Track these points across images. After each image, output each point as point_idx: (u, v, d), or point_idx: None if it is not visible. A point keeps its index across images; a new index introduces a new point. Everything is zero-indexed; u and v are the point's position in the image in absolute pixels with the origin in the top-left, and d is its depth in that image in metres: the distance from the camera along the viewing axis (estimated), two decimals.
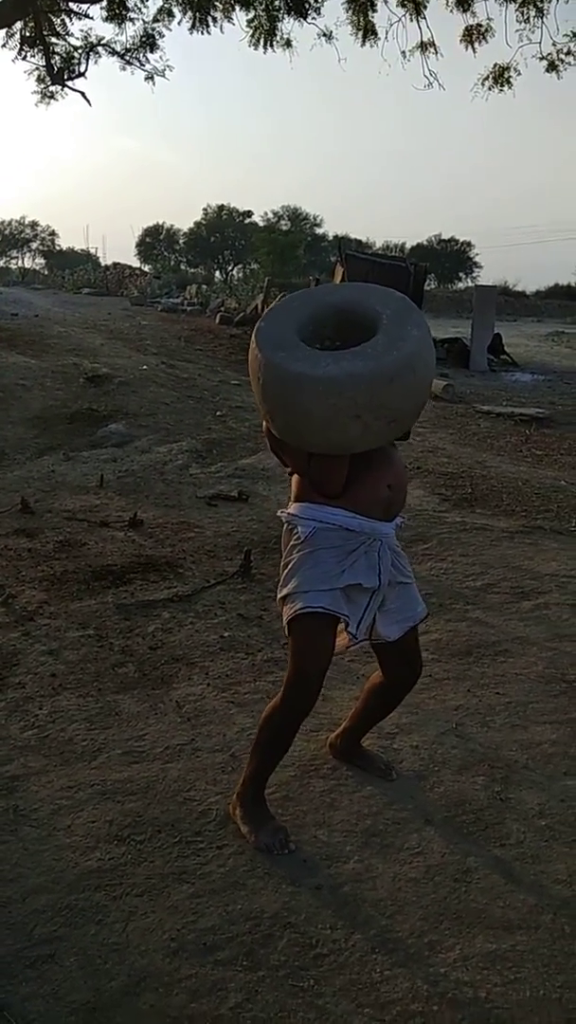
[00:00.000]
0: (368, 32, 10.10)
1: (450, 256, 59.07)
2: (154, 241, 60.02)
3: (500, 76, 9.27)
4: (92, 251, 51.99)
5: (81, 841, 2.27)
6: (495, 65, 9.30)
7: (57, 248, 60.09)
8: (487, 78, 9.36)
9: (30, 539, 4.81)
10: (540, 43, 9.51)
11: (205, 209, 59.43)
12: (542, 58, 8.92)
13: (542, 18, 8.92)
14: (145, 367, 10.12)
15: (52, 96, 11.03)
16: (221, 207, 59.06)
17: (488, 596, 4.25)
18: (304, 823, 2.38)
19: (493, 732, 2.93)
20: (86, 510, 5.48)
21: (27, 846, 2.24)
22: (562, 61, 8.78)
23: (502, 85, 9.30)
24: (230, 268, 54.33)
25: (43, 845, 2.25)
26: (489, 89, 9.38)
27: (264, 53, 10.43)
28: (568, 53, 8.74)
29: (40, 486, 6.05)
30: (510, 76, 9.21)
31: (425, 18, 9.64)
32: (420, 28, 9.86)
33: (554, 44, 9.04)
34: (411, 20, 9.98)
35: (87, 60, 10.73)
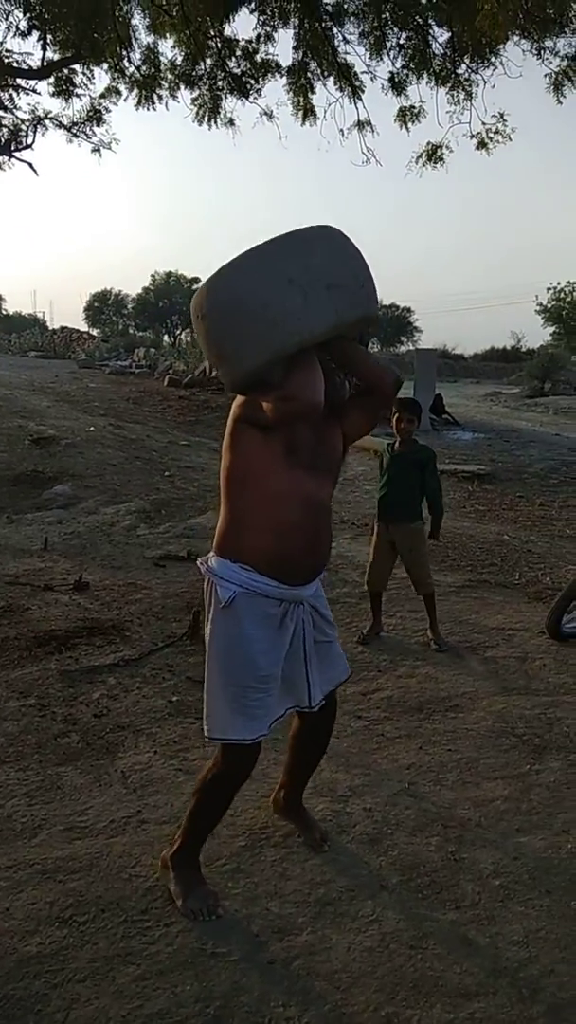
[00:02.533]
0: (308, 112, 10.61)
1: (392, 321, 60.90)
2: (102, 306, 60.60)
3: (433, 154, 9.81)
4: (40, 315, 52.19)
5: (20, 925, 2.15)
6: (428, 143, 9.88)
7: (4, 312, 60.14)
8: (420, 156, 9.90)
9: None
10: (470, 123, 10.15)
11: (153, 275, 60.45)
12: (472, 136, 9.53)
13: (471, 100, 9.53)
14: (92, 428, 10.09)
15: None
16: (169, 273, 60.16)
17: (436, 651, 4.26)
18: (256, 895, 2.30)
19: (446, 790, 2.90)
20: (29, 574, 5.36)
21: None
22: (491, 139, 9.39)
23: (435, 162, 9.83)
24: (178, 332, 55.08)
25: None
26: (423, 166, 9.91)
27: (208, 130, 10.87)
28: (496, 132, 9.35)
29: None
30: (442, 154, 9.76)
31: (362, 99, 10.21)
32: (357, 108, 10.43)
33: (483, 124, 9.65)
34: (349, 102, 10.54)
35: (34, 132, 11.01)
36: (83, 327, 42.80)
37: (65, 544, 6.20)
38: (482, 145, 9.49)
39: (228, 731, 2.17)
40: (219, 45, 10.13)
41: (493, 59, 8.85)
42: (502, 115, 9.49)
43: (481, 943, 2.14)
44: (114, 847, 2.50)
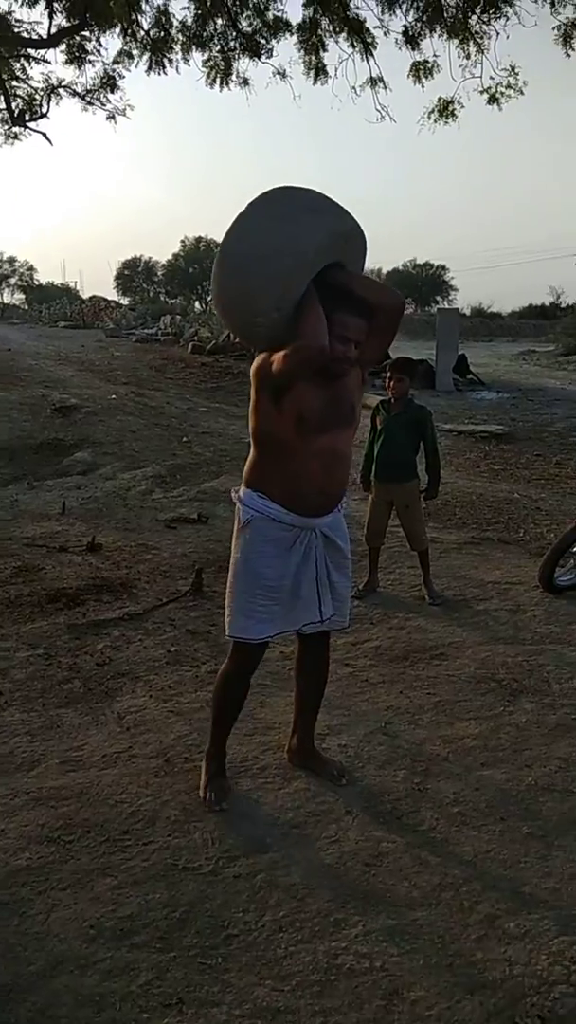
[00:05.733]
0: (320, 71, 10.48)
1: (426, 280, 59.98)
2: (132, 274, 60.63)
3: (445, 109, 9.64)
4: (72, 285, 52.40)
5: (13, 843, 2.38)
6: (439, 99, 9.71)
7: (36, 283, 60.53)
8: (432, 111, 9.74)
9: None
10: (481, 77, 9.94)
11: (183, 241, 60.19)
12: (483, 91, 9.34)
13: (483, 54, 9.33)
14: (114, 396, 10.30)
15: (16, 137, 11.37)
16: (199, 239, 59.84)
17: (430, 605, 4.40)
18: (229, 819, 2.50)
19: (420, 729, 3.07)
20: (46, 536, 5.61)
21: None
22: (502, 94, 9.20)
23: (447, 118, 9.67)
24: (208, 298, 54.93)
25: None
26: (435, 122, 9.76)
27: (220, 92, 10.79)
28: (508, 87, 9.15)
29: (3, 515, 6.17)
30: (454, 109, 9.59)
31: (373, 55, 10.05)
32: (369, 65, 10.28)
33: (492, 78, 9.43)
34: (361, 59, 10.39)
35: (48, 102, 11.08)
36: (114, 295, 42.98)
37: (82, 508, 6.44)
38: (493, 100, 9.32)
39: (238, 631, 2.51)
40: (230, 1, 10.01)
41: (506, 8, 8.63)
42: (513, 68, 9.32)
43: (432, 862, 2.32)
44: (104, 778, 2.72)
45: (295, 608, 2.54)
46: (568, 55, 8.64)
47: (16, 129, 11.07)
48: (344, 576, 2.64)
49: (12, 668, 3.56)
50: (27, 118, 11.01)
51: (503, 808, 2.57)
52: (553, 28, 8.61)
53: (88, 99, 10.97)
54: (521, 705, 3.25)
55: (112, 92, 11.27)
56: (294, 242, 2.20)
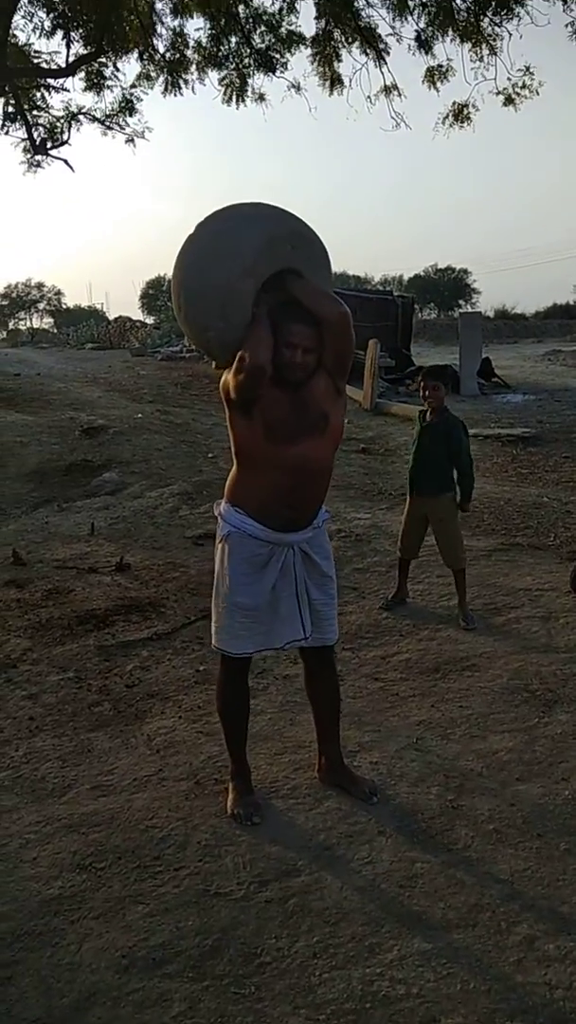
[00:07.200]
0: (335, 82, 10.52)
1: (448, 284, 59.79)
2: (157, 293, 61.25)
3: (459, 113, 9.61)
4: (99, 307, 53.15)
5: (45, 871, 2.38)
6: (454, 103, 9.69)
7: (64, 307, 61.46)
8: (447, 116, 9.72)
9: (19, 589, 4.97)
10: (495, 79, 9.93)
11: None
12: (498, 93, 9.29)
13: (496, 56, 9.29)
14: (140, 416, 10.38)
15: (38, 165, 11.59)
16: None
17: (464, 629, 4.32)
18: (261, 841, 2.48)
19: (452, 744, 3.01)
20: (76, 558, 5.65)
21: None
22: (518, 95, 9.13)
23: (462, 122, 9.64)
24: None
25: (8, 877, 2.36)
26: (450, 127, 9.73)
27: (236, 109, 10.89)
28: (523, 87, 9.09)
29: (33, 538, 6.23)
30: (469, 113, 9.56)
31: (387, 63, 10.06)
32: (383, 73, 10.31)
33: (509, 79, 9.39)
34: (375, 67, 10.41)
35: (69, 129, 11.27)
36: (140, 315, 43.48)
37: (111, 528, 6.48)
38: (509, 101, 9.25)
39: (219, 642, 2.60)
40: (244, 15, 10.09)
41: (518, 8, 8.59)
42: (528, 68, 9.25)
43: (468, 882, 2.27)
44: (135, 802, 2.71)
45: (275, 625, 2.56)
46: None
47: (38, 157, 11.29)
48: (324, 594, 2.64)
49: (43, 692, 3.58)
50: (49, 146, 11.21)
51: (540, 824, 2.51)
52: (567, 25, 8.55)
53: (107, 124, 11.16)
54: (556, 716, 3.18)
55: (131, 115, 11.44)
56: (230, 249, 2.30)
